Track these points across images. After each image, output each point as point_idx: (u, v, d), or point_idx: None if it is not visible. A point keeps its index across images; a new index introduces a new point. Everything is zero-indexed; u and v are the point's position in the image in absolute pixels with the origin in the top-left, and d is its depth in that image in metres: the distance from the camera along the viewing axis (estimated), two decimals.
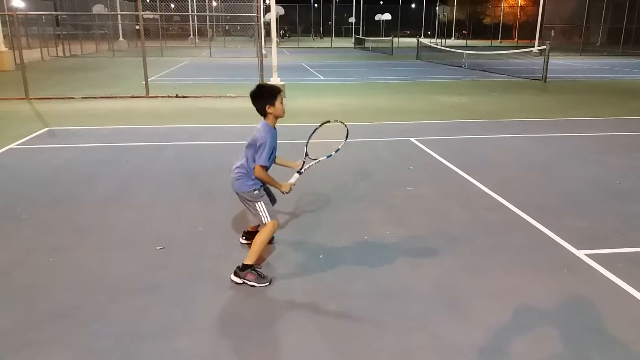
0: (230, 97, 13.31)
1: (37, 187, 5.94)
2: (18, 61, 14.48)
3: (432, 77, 19.65)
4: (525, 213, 5.15)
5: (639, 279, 3.81)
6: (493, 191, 5.82)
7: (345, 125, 4.29)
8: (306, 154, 4.15)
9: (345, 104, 12.68)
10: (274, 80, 13.46)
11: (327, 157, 4.21)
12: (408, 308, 3.45)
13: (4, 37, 20.05)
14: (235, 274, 3.75)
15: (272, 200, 4.03)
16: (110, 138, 8.59)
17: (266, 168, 3.77)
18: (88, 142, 8.27)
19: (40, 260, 4.11)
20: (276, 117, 3.81)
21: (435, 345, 3.05)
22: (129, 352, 2.98)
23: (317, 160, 4.16)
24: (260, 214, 3.80)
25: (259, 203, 3.80)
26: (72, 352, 2.97)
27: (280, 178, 3.94)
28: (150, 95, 13.41)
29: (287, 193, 3.95)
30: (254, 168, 3.74)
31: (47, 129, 9.25)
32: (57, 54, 28.85)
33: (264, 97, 3.76)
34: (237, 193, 3.89)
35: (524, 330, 3.20)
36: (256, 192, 3.80)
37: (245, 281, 3.71)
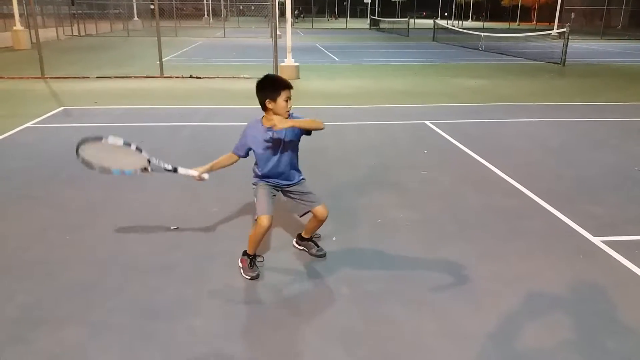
0: (244, 77, 13.26)
1: (52, 166, 6.00)
2: (34, 40, 14.55)
3: (448, 60, 19.40)
4: (541, 199, 5.09)
5: None
6: (509, 176, 5.76)
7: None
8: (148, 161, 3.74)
9: (360, 86, 12.58)
10: (288, 61, 13.38)
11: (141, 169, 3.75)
12: (421, 293, 3.44)
13: (20, 16, 20.11)
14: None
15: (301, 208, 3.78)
16: (125, 118, 8.63)
17: (259, 162, 3.60)
18: (103, 121, 8.31)
19: (56, 238, 4.16)
20: (276, 114, 3.41)
21: (447, 331, 3.05)
22: (145, 329, 3.02)
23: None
24: (256, 207, 3.58)
25: (255, 198, 3.64)
26: (89, 328, 3.01)
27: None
28: (164, 75, 13.41)
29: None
30: (255, 162, 3.69)
31: (62, 108, 9.31)
32: (72, 33, 28.96)
33: (265, 89, 3.43)
34: None
35: (537, 317, 3.18)
36: (254, 187, 3.72)
37: (239, 264, 3.68)
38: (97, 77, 13.09)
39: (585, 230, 4.39)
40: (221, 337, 2.97)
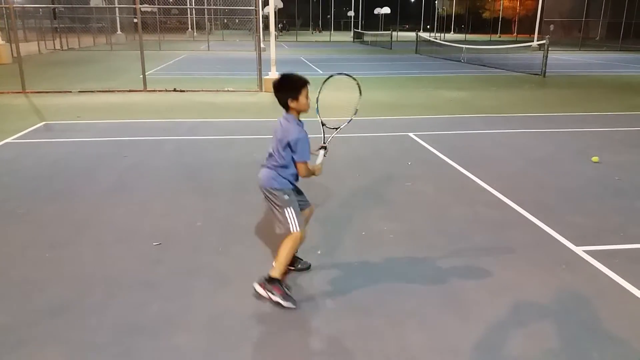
0: (228, 91, 13.25)
1: (33, 182, 5.91)
2: (15, 54, 14.40)
3: (431, 72, 19.60)
4: (524, 209, 5.14)
5: (636, 276, 3.81)
6: (492, 187, 5.81)
7: (354, 79, 3.93)
8: (322, 124, 3.81)
9: (343, 98, 12.56)
10: (272, 74, 13.40)
11: (348, 122, 3.92)
12: (405, 304, 3.44)
13: (1, 30, 19.93)
14: (261, 285, 3.43)
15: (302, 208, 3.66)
16: (108, 132, 8.55)
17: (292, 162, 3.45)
18: (85, 136, 8.23)
19: (37, 256, 4.09)
20: (299, 112, 3.46)
21: (432, 342, 3.04)
22: (127, 347, 2.97)
23: (338, 128, 3.86)
24: (289, 221, 3.44)
25: (288, 209, 3.45)
26: (69, 348, 2.96)
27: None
28: (148, 89, 13.35)
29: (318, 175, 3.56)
30: (284, 166, 3.43)
31: (44, 123, 9.21)
32: (54, 47, 28.73)
33: (287, 89, 3.41)
34: (264, 190, 3.54)
35: (521, 327, 3.19)
36: (286, 197, 3.46)
37: (271, 296, 3.37)
38: (79, 92, 12.98)
39: (568, 240, 4.43)
40: (206, 353, 2.94)
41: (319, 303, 3.46)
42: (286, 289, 3.43)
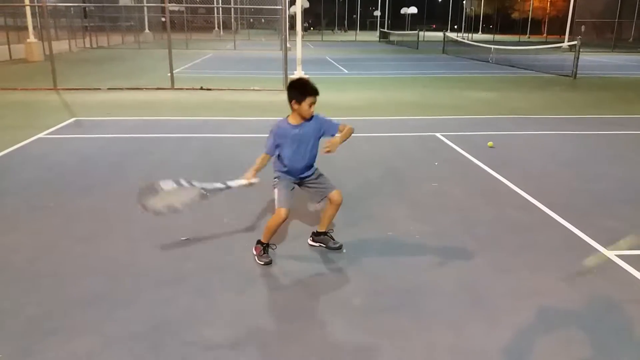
0: (254, 90, 13.33)
1: (64, 177, 6.03)
2: (47, 52, 14.74)
3: (458, 72, 19.40)
4: (554, 212, 5.03)
5: None
6: (521, 189, 5.71)
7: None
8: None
9: (370, 98, 12.59)
10: (298, 73, 13.43)
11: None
12: (432, 306, 3.40)
13: (33, 28, 20.40)
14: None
15: (315, 196, 4.10)
16: (136, 129, 8.68)
17: (284, 158, 3.90)
18: (114, 132, 8.37)
19: (68, 249, 4.17)
20: (300, 116, 3.81)
21: (458, 346, 3.00)
22: (156, 340, 3.00)
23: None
24: (275, 198, 3.90)
25: (274, 190, 3.93)
26: (100, 339, 3.00)
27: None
28: (175, 87, 13.51)
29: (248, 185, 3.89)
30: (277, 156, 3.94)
31: (74, 119, 9.39)
32: (84, 45, 29.34)
33: (295, 91, 3.76)
34: None
35: (550, 333, 3.12)
36: (276, 180, 3.96)
37: (253, 251, 3.97)
38: (108, 89, 13.22)
39: (599, 244, 4.33)
40: (233, 347, 2.95)
41: (345, 302, 3.45)
42: (265, 248, 3.94)
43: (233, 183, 3.98)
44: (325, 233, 4.19)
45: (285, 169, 3.93)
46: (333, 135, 3.90)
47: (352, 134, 3.92)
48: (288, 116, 3.90)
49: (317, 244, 4.21)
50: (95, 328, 3.12)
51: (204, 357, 2.88)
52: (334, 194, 3.97)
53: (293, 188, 4.00)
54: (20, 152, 7.10)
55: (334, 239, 4.18)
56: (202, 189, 3.96)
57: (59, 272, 3.79)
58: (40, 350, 2.90)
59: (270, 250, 3.99)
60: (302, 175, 3.98)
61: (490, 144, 7.55)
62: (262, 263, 3.88)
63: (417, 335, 3.09)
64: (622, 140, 8.23)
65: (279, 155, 3.92)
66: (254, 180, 3.88)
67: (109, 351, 2.90)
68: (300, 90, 3.73)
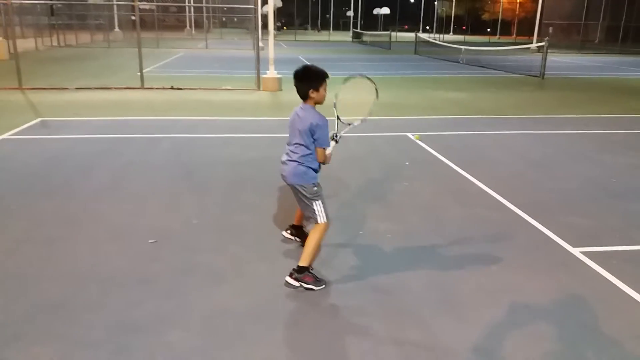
0: (226, 89, 13.21)
1: (28, 179, 5.87)
2: (12, 50, 14.34)
3: (429, 73, 19.60)
4: (522, 210, 5.12)
5: (632, 277, 3.80)
6: (490, 188, 5.79)
7: (373, 82, 4.09)
8: (337, 118, 3.92)
9: (341, 97, 12.57)
10: (271, 73, 13.37)
11: (361, 120, 4.02)
12: (401, 306, 3.42)
13: None
14: (292, 276, 3.58)
15: None
16: (104, 129, 8.51)
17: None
18: (82, 133, 8.19)
19: (31, 252, 4.06)
20: (316, 103, 3.65)
21: (427, 342, 3.03)
22: (121, 344, 2.95)
23: (351, 125, 3.96)
24: (317, 213, 3.61)
25: (317, 202, 3.61)
26: (63, 345, 2.93)
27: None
28: (145, 86, 13.31)
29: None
30: (311, 154, 3.59)
31: (40, 119, 9.16)
32: (51, 43, 28.65)
33: (311, 80, 3.60)
34: (294, 186, 3.64)
35: (518, 329, 3.18)
36: (315, 188, 3.61)
37: (302, 284, 3.56)
38: (76, 88, 12.93)
39: (565, 241, 4.42)
40: (199, 350, 2.91)
41: (314, 302, 3.44)
42: (315, 274, 3.63)
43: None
44: (301, 227, 4.21)
45: (319, 169, 3.70)
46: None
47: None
48: (308, 106, 3.65)
49: (293, 238, 4.24)
50: (60, 333, 3.04)
51: None
52: None
53: None
54: None
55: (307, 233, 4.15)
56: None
57: (22, 277, 3.68)
58: (4, 357, 2.82)
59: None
60: None
61: (416, 136, 7.89)
62: (324, 286, 3.60)
63: (385, 334, 3.10)
64: (587, 140, 8.42)
65: (312, 153, 3.61)
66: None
67: (73, 356, 2.84)
68: (316, 77, 3.60)
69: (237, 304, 3.42)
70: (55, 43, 29.01)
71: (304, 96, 3.62)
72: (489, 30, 64.85)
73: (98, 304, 3.36)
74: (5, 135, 7.81)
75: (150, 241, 4.29)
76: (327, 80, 3.66)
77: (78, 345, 2.94)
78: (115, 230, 4.51)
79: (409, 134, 7.80)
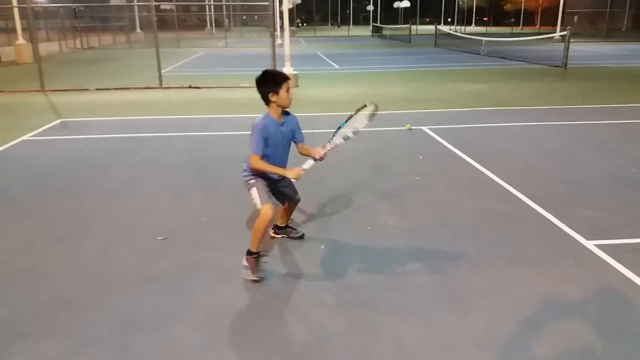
0: (243, 87, 13.28)
1: (45, 178, 5.99)
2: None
3: (449, 65, 19.36)
4: (536, 203, 5.02)
5: None
6: (504, 180, 5.69)
7: (375, 106, 4.10)
8: (329, 141, 3.83)
9: (358, 92, 12.56)
10: (287, 69, 13.38)
11: (345, 139, 3.90)
12: (404, 300, 3.38)
13: (23, 30, 20.28)
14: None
15: (285, 197, 4.00)
16: (122, 129, 8.64)
17: (266, 157, 3.62)
18: (100, 133, 8.32)
19: (43, 250, 4.14)
20: (280, 107, 3.63)
21: (429, 338, 2.98)
22: (126, 341, 2.98)
23: (335, 145, 3.82)
24: (254, 199, 3.67)
25: (252, 189, 3.69)
26: (71, 342, 2.98)
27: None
28: (163, 86, 13.46)
29: (296, 179, 3.67)
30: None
31: (60, 120, 9.34)
32: (75, 46, 29.18)
33: (268, 83, 3.60)
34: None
35: (528, 323, 3.10)
36: (252, 181, 3.72)
37: (243, 264, 3.64)
38: (96, 89, 13.15)
39: (579, 234, 4.31)
40: (203, 347, 2.93)
41: (318, 298, 3.42)
42: (258, 261, 3.63)
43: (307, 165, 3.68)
44: (286, 226, 4.28)
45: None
46: (302, 141, 3.86)
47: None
48: (267, 113, 3.69)
49: (279, 236, 4.28)
50: (67, 330, 3.09)
51: (175, 357, 2.85)
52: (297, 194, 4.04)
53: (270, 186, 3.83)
54: (2, 154, 7.06)
55: (295, 229, 4.31)
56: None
57: (32, 274, 3.76)
58: (10, 354, 2.88)
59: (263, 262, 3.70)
60: (277, 178, 3.81)
61: (408, 126, 8.11)
62: (254, 279, 3.59)
63: (388, 330, 3.07)
64: (609, 130, 8.21)
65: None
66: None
67: (79, 353, 2.88)
68: (274, 80, 3.59)
69: (241, 300, 3.42)
70: (78, 45, 29.57)
71: (266, 101, 3.64)
72: (513, 20, 63.76)
73: (104, 301, 3.41)
74: (25, 137, 7.98)
75: (160, 238, 4.33)
76: (289, 82, 3.64)
77: (84, 342, 2.98)
78: (125, 228, 4.57)
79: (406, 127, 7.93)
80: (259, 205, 3.63)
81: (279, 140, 3.71)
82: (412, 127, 8.35)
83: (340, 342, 2.96)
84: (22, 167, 6.47)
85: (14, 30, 20.84)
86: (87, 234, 4.47)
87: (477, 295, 3.43)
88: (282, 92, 3.58)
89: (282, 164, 3.78)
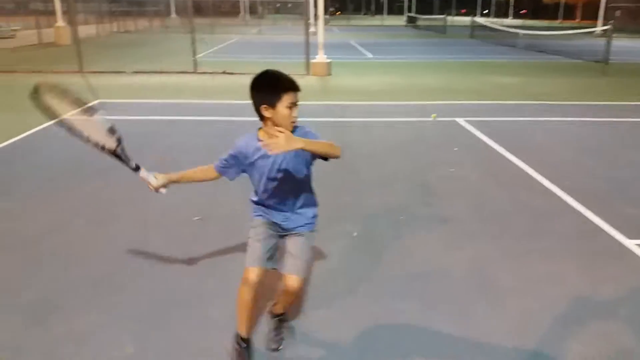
0: None
1: (82, 159, 6.10)
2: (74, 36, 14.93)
3: (484, 57, 19.00)
4: (573, 198, 4.90)
5: None
6: (539, 174, 5.57)
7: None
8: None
9: (391, 82, 12.43)
10: (320, 57, 13.32)
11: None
12: (440, 292, 3.35)
13: (63, 13, 20.68)
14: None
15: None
16: (156, 112, 8.75)
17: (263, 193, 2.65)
18: (135, 114, 8.45)
19: (81, 229, 4.24)
20: (276, 126, 2.38)
21: (462, 331, 2.95)
22: (159, 318, 3.04)
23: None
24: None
25: (248, 241, 2.69)
26: (105, 317, 3.05)
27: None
28: (198, 71, 13.57)
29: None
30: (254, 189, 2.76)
31: (97, 101, 9.50)
32: (111, 30, 29.64)
33: (262, 90, 2.46)
34: None
35: (560, 320, 3.04)
36: (252, 228, 2.73)
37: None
38: (133, 72, 13.34)
39: (618, 231, 4.19)
40: (234, 327, 2.95)
41: (352, 288, 3.41)
42: (246, 351, 2.64)
43: (143, 173, 2.99)
44: (276, 316, 2.91)
45: (256, 202, 2.77)
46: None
47: (332, 154, 2.47)
48: (259, 130, 2.61)
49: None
50: (101, 306, 3.16)
51: (207, 336, 2.89)
52: (290, 277, 2.59)
53: (274, 238, 2.69)
54: (42, 133, 7.23)
55: (277, 332, 2.85)
56: (119, 142, 2.87)
57: (69, 252, 3.85)
58: (49, 324, 2.96)
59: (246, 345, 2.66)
60: (277, 223, 2.69)
61: (433, 115, 8.07)
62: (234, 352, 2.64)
63: (420, 320, 3.04)
64: None
65: (253, 185, 2.75)
66: (162, 190, 2.93)
67: (111, 328, 2.94)
68: (272, 88, 2.42)
69: (274, 285, 3.44)
70: (115, 29, 30.01)
71: (258, 114, 2.52)
72: (553, 13, 62.09)
73: (141, 279, 3.47)
74: (64, 116, 8.13)
75: (194, 219, 4.38)
76: (295, 95, 2.45)
77: (118, 317, 3.04)
78: (161, 210, 4.62)
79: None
80: (246, 264, 2.59)
81: (262, 169, 2.58)
82: (444, 118, 8.23)
83: (372, 332, 2.95)
84: (59, 147, 6.60)
85: (53, 12, 21.26)
86: (123, 214, 4.55)
87: (511, 288, 3.38)
88: (281, 107, 2.41)
89: (285, 203, 2.65)
